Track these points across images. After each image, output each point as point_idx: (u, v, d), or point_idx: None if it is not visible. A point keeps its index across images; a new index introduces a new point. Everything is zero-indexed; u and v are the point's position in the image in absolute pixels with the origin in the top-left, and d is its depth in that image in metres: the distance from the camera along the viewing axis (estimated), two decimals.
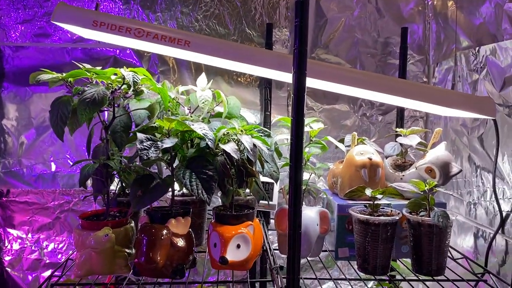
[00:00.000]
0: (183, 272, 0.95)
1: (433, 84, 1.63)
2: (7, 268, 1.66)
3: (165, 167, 1.08)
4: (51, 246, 1.66)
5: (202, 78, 1.12)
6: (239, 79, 1.61)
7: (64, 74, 0.95)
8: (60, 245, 1.65)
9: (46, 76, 0.93)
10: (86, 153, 1.61)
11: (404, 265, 1.16)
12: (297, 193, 0.80)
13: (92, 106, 0.88)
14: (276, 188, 1.43)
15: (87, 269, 0.93)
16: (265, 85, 1.53)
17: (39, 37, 1.60)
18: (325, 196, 1.19)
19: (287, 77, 1.12)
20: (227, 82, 1.62)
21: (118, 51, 1.61)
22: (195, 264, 1.02)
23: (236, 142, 0.97)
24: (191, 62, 1.60)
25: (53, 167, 1.62)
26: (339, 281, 1.59)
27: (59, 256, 1.65)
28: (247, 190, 1.21)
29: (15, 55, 1.60)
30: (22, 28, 1.60)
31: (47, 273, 1.65)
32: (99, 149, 1.08)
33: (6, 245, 1.66)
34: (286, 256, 1.13)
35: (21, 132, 1.62)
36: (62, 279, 1.00)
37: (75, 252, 1.02)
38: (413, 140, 1.14)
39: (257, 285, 1.61)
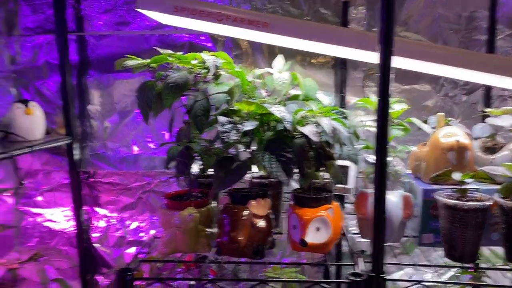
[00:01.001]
0: (263, 253, 0.96)
1: None
2: (94, 245, 1.78)
3: (242, 150, 1.10)
4: (134, 225, 1.75)
5: (279, 60, 1.11)
6: (313, 61, 1.58)
7: (148, 60, 0.99)
8: (142, 224, 1.75)
9: (131, 62, 0.97)
10: (167, 136, 1.68)
11: (493, 253, 1.09)
12: (382, 176, 0.77)
13: (176, 91, 0.91)
14: (353, 171, 1.40)
15: (172, 247, 0.97)
16: (340, 66, 1.49)
17: (119, 25, 1.68)
18: (407, 180, 1.14)
19: (365, 56, 1.08)
20: (300, 64, 1.60)
21: (193, 36, 1.65)
22: (274, 245, 1.03)
23: (315, 124, 0.96)
24: (265, 46, 1.60)
25: (135, 150, 1.71)
26: (418, 267, 1.54)
27: (141, 234, 1.75)
28: (322, 174, 1.20)
29: (98, 43, 1.69)
30: (104, 17, 1.68)
31: (131, 250, 1.76)
32: (181, 132, 1.12)
33: (93, 223, 1.78)
34: (364, 240, 1.11)
35: (105, 117, 1.72)
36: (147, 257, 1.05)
37: (160, 231, 1.07)
38: (506, 121, 1.06)
39: (333, 269, 1.60)
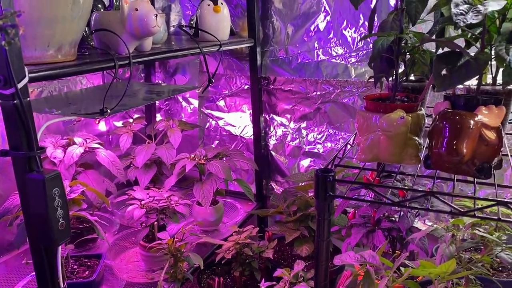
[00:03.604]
0: (490, 172, 0.77)
1: None
2: (271, 151, 1.78)
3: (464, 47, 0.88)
4: (311, 136, 1.68)
5: None
6: None
7: None
8: (319, 136, 1.67)
9: None
10: (352, 41, 1.52)
11: None
12: None
13: None
14: None
15: (373, 153, 0.84)
16: None
17: None
18: None
19: None
20: None
21: None
22: (501, 165, 0.83)
23: None
24: None
25: (318, 56, 1.59)
26: None
27: (318, 146, 1.68)
28: None
29: None
30: None
31: (306, 162, 1.71)
32: (386, 25, 0.94)
33: (271, 130, 1.76)
34: None
35: (289, 20, 1.61)
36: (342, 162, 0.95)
37: (354, 137, 0.96)
38: None
39: None
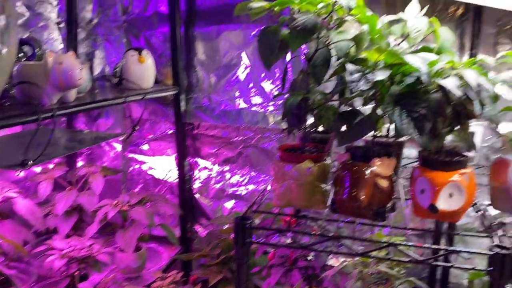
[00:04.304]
0: (384, 216, 0.89)
1: None
2: (195, 195, 1.82)
3: (359, 107, 1.02)
4: (234, 178, 1.76)
5: (414, 5, 1.00)
6: (440, 12, 1.41)
7: (272, 3, 0.93)
8: (242, 179, 1.75)
9: (256, 4, 0.92)
10: (268, 89, 1.64)
11: None
12: None
13: (303, 34, 0.85)
14: (478, 138, 1.26)
15: (287, 200, 0.94)
16: (474, 18, 1.32)
17: None
18: None
19: None
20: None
21: None
22: (395, 209, 0.95)
23: (457, 77, 0.85)
24: None
25: (239, 105, 1.69)
26: None
27: (242, 188, 1.75)
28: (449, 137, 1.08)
29: None
30: None
31: (229, 204, 1.77)
32: (296, 84, 1.06)
33: (195, 174, 1.82)
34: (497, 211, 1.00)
35: (211, 70, 1.71)
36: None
37: (271, 184, 1.05)
38: None
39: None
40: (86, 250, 1.30)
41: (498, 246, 0.72)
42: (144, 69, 1.48)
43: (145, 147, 1.87)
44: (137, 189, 1.89)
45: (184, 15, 1.69)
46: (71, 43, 1.74)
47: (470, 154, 1.28)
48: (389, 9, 1.44)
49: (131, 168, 1.90)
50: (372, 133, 1.03)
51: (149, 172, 1.88)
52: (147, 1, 1.74)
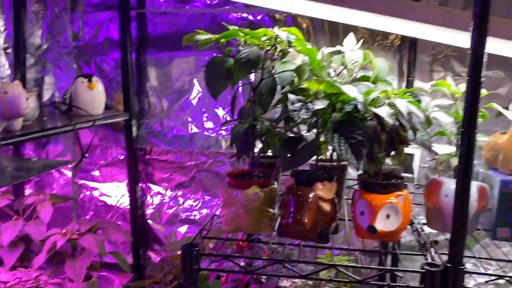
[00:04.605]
0: (328, 238, 0.93)
1: None
2: (148, 221, 1.81)
3: (304, 132, 1.07)
4: (187, 203, 1.77)
5: (350, 38, 1.07)
6: (379, 42, 1.51)
7: (217, 36, 0.97)
8: (195, 203, 1.76)
9: (201, 36, 0.95)
10: (220, 114, 1.68)
11: None
12: (467, 165, 0.72)
13: (247, 66, 0.89)
14: (417, 160, 1.35)
15: (235, 225, 0.96)
16: (410, 48, 1.42)
17: (179, 3, 1.67)
18: (481, 170, 1.08)
19: (445, 37, 1.02)
20: (366, 45, 1.54)
21: (252, 15, 1.62)
22: (337, 231, 1.00)
23: (390, 106, 0.91)
24: (326, 25, 1.54)
25: (191, 129, 1.71)
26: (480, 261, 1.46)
27: (195, 213, 1.76)
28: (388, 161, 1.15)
29: (158, 21, 1.70)
30: None
31: (183, 229, 1.77)
32: (244, 111, 1.10)
33: (148, 199, 1.81)
34: (433, 231, 1.06)
35: (163, 95, 1.73)
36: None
37: (220, 209, 1.07)
38: None
39: (383, 258, 1.56)
40: (32, 282, 1.27)
41: (428, 264, 0.77)
42: (94, 95, 1.48)
43: (96, 173, 1.85)
44: (88, 216, 1.85)
45: (136, 41, 1.71)
46: (19, 69, 1.71)
47: (410, 175, 1.37)
48: (332, 39, 1.52)
49: (81, 195, 1.87)
50: (315, 157, 1.08)
51: (101, 198, 1.85)
52: (98, 27, 1.74)
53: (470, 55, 0.70)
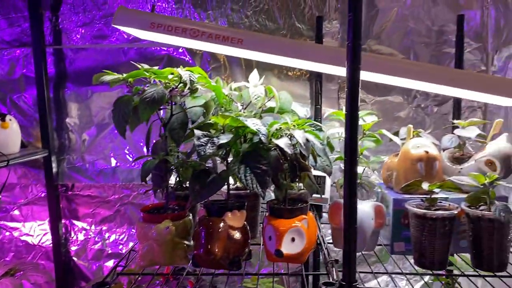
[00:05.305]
0: (240, 264, 0.97)
1: (492, 72, 1.56)
2: (73, 258, 1.77)
3: (219, 162, 1.12)
4: (113, 237, 1.75)
5: (254, 75, 1.14)
6: (289, 73, 1.62)
7: (125, 75, 1.00)
8: (121, 237, 1.74)
9: (108, 77, 0.98)
10: (145, 149, 1.69)
11: (463, 260, 1.13)
12: (352, 187, 0.80)
13: (152, 105, 0.92)
14: (328, 181, 1.43)
15: (149, 259, 0.98)
16: (316, 78, 1.53)
17: (97, 38, 1.68)
18: (379, 190, 1.18)
19: (339, 71, 1.12)
20: (277, 76, 1.63)
21: (171, 50, 1.66)
22: (251, 256, 1.04)
23: (289, 136, 0.99)
24: (242, 59, 1.63)
25: (113, 163, 1.71)
26: (393, 275, 1.57)
27: (120, 247, 1.74)
28: (299, 184, 1.22)
29: (76, 56, 1.70)
30: (82, 31, 1.68)
31: (110, 263, 1.75)
32: (158, 145, 1.13)
33: (72, 236, 1.77)
34: (340, 249, 1.14)
35: (83, 130, 1.71)
36: (125, 269, 1.05)
37: (137, 244, 1.08)
38: (472, 132, 1.11)
39: (310, 278, 1.63)
40: None
41: (324, 283, 0.83)
42: (8, 134, 1.45)
43: (16, 212, 1.78)
44: (8, 258, 1.77)
45: (54, 77, 1.69)
46: None
47: (325, 196, 1.45)
48: (248, 71, 1.60)
49: (1, 236, 1.78)
50: (230, 186, 1.13)
51: (22, 238, 1.78)
52: (12, 64, 1.71)
53: (347, 89, 0.79)
